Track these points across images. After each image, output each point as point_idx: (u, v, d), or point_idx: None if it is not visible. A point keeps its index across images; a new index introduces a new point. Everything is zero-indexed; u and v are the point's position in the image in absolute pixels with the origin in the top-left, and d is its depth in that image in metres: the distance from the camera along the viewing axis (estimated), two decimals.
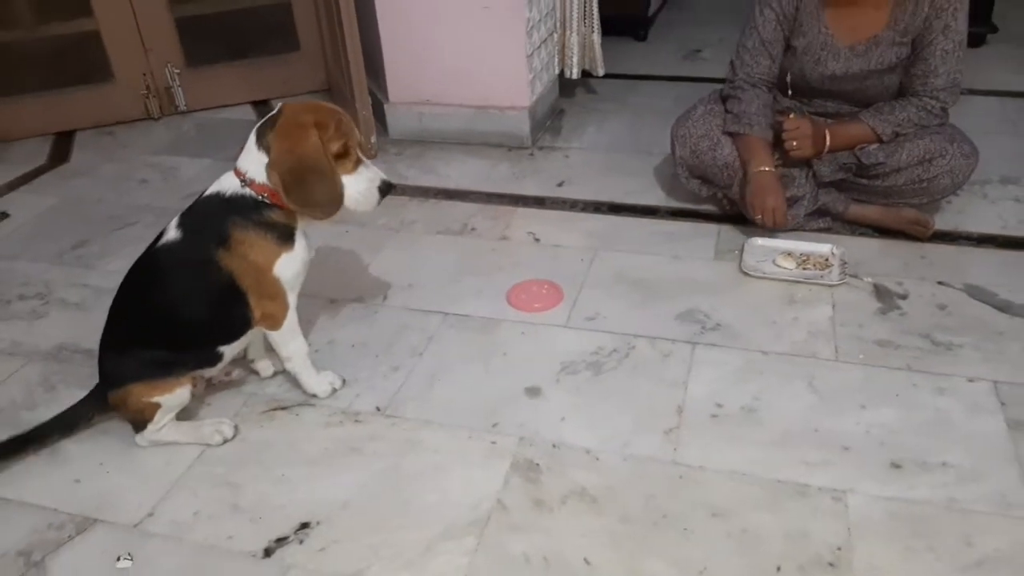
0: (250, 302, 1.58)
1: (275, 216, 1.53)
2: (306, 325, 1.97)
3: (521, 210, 2.50)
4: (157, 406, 1.58)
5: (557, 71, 3.11)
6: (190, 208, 1.59)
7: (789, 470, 1.51)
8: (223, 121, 3.35)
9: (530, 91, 2.86)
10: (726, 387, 1.72)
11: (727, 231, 2.31)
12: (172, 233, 1.56)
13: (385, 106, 3.00)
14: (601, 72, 3.12)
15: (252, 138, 1.52)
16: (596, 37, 3.05)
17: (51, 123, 3.28)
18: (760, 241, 2.20)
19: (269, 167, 1.48)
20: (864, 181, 2.20)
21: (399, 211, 2.53)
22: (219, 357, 1.63)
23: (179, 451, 1.63)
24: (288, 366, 1.72)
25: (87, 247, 2.40)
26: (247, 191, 1.52)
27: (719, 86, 2.33)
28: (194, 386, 1.63)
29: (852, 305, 1.97)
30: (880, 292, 2.01)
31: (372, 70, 3.02)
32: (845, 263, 2.10)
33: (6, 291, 2.21)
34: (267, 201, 1.52)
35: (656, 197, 2.52)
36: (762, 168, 2.13)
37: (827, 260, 2.13)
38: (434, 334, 1.90)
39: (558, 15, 3.00)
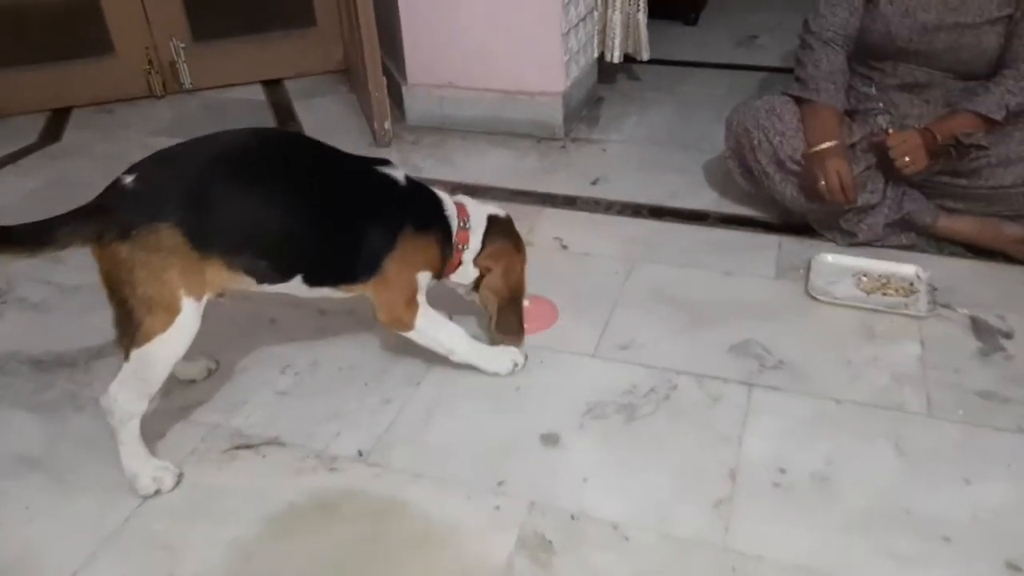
0: (374, 292, 1.45)
1: (441, 254, 1.50)
2: (288, 340, 1.68)
3: (548, 210, 2.18)
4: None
5: (596, 54, 2.77)
6: (414, 184, 1.49)
7: (873, 566, 1.17)
8: (231, 101, 3.07)
9: (564, 75, 2.52)
10: (791, 445, 1.38)
11: (790, 244, 1.95)
12: (397, 174, 1.47)
13: (403, 88, 2.69)
14: (646, 57, 2.77)
15: (481, 214, 1.55)
16: (642, 17, 2.69)
17: (47, 99, 3.03)
18: (830, 258, 1.84)
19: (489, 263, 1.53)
20: (962, 182, 1.83)
21: None
22: (285, 278, 1.38)
23: (116, 498, 1.34)
24: (456, 359, 1.54)
25: None
26: (454, 223, 1.50)
27: (777, 75, 1.97)
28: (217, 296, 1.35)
29: (945, 343, 1.61)
30: (979, 328, 1.65)
31: (391, 48, 2.71)
32: (934, 289, 1.74)
33: None
34: (457, 245, 1.51)
35: (706, 199, 2.17)
36: (827, 144, 1.78)
37: (911, 285, 1.77)
38: (435, 359, 1.59)
39: None
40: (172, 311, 1.25)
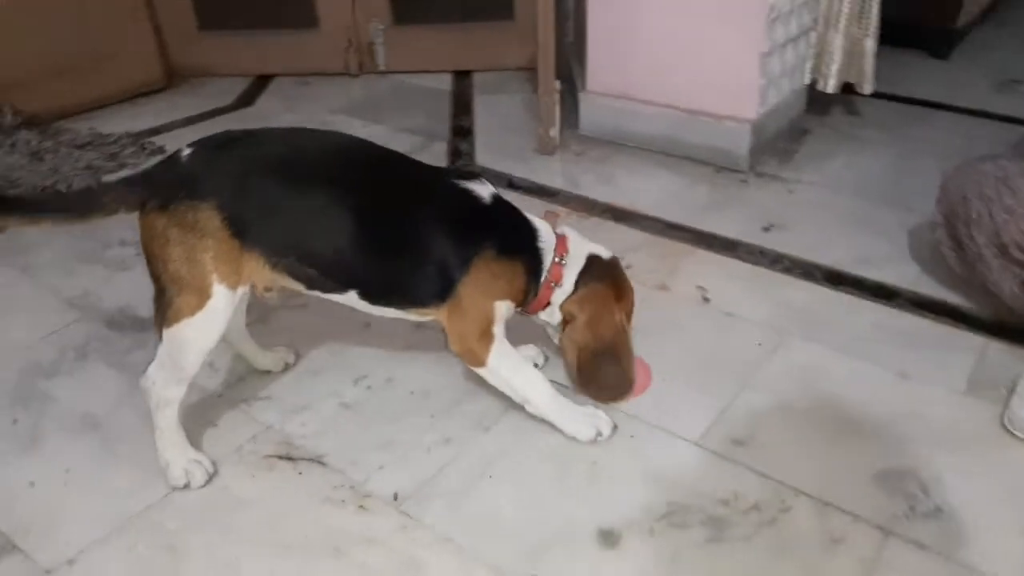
0: (447, 319, 1.28)
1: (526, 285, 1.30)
2: (374, 348, 1.55)
3: (701, 252, 1.88)
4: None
5: (807, 80, 2.40)
6: (503, 205, 1.32)
7: None
8: (418, 88, 3.04)
9: (759, 100, 2.19)
10: None
11: (997, 352, 1.52)
12: (482, 191, 1.29)
13: (580, 94, 2.49)
14: (869, 89, 2.35)
15: (582, 251, 1.34)
16: (870, 44, 2.28)
17: (252, 65, 3.17)
18: None
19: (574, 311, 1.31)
20: None
21: None
22: (338, 291, 1.27)
23: (148, 481, 1.27)
24: (531, 411, 1.34)
25: None
26: (548, 256, 1.31)
27: None
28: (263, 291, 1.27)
29: None
30: None
31: (579, 52, 2.52)
32: None
33: (111, 235, 2.03)
34: (548, 276, 1.31)
35: (901, 274, 1.77)
36: None
37: None
38: (514, 404, 1.38)
39: (822, 7, 2.28)
40: (203, 295, 1.16)
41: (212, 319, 1.18)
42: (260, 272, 1.21)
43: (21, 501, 1.26)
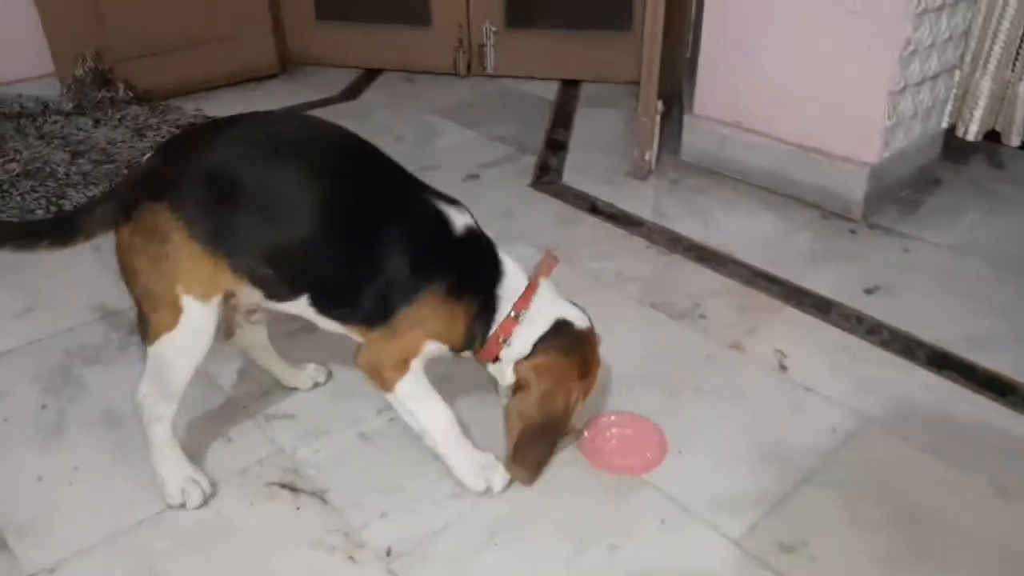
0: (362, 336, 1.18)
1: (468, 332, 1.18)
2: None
3: (789, 310, 1.68)
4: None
5: (944, 124, 2.12)
6: (475, 237, 1.20)
7: None
8: (522, 95, 2.94)
9: (882, 142, 1.95)
10: None
11: None
12: (456, 218, 1.17)
13: (685, 117, 2.31)
14: (1017, 141, 2.05)
15: (550, 310, 1.19)
16: (1023, 90, 1.99)
17: (363, 58, 3.17)
18: None
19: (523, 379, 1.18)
20: None
21: (622, 257, 1.86)
22: (292, 296, 1.17)
23: (148, 494, 1.23)
24: (428, 444, 1.24)
25: None
26: (505, 305, 1.17)
27: None
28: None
29: None
30: None
31: (691, 67, 2.34)
32: None
33: None
34: (498, 330, 1.18)
35: (1022, 365, 1.51)
36: None
37: None
38: (554, 463, 1.25)
39: (970, 46, 2.00)
40: (175, 310, 1.09)
41: (190, 335, 1.11)
42: (225, 277, 1.11)
43: (26, 495, 1.25)
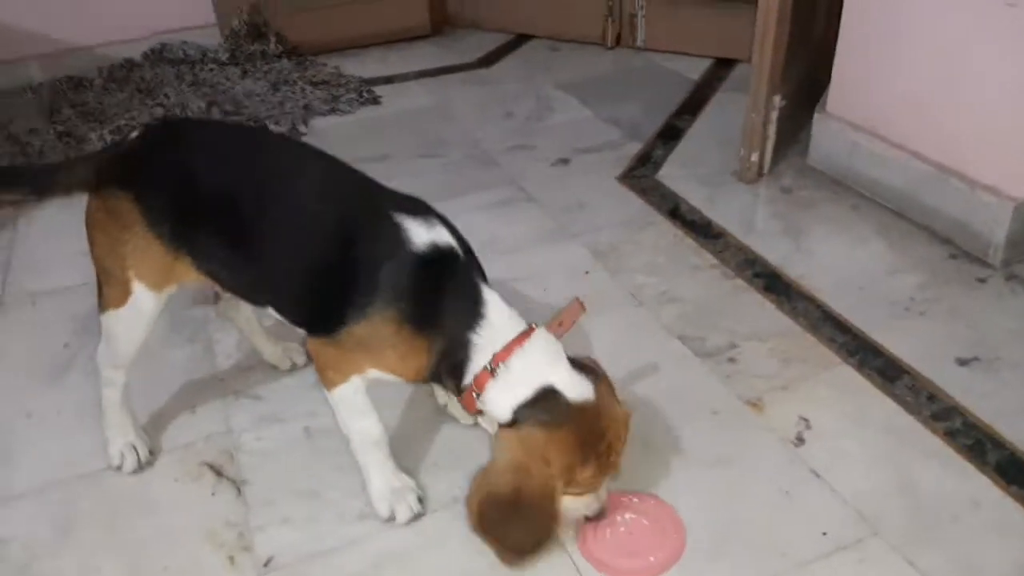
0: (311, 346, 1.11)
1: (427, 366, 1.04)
2: (385, 382, 1.39)
3: (844, 369, 1.38)
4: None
5: None
6: (448, 259, 1.04)
7: None
8: (665, 72, 2.69)
9: None
10: None
11: None
12: (420, 235, 1.02)
13: (816, 115, 1.97)
14: None
15: (538, 374, 1.00)
16: None
17: (515, 23, 3.08)
18: None
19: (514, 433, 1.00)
20: None
21: (675, 274, 1.64)
22: (261, 304, 1.18)
23: (102, 451, 1.28)
24: (352, 449, 1.16)
25: (374, 163, 2.11)
26: (481, 355, 1.00)
27: None
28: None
29: None
30: None
31: (824, 61, 1.99)
32: None
33: None
34: (470, 387, 1.01)
35: None
36: None
37: None
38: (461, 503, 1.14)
39: None
40: (125, 291, 1.11)
41: (134, 317, 1.14)
42: (190, 274, 1.12)
43: (9, 430, 1.35)
